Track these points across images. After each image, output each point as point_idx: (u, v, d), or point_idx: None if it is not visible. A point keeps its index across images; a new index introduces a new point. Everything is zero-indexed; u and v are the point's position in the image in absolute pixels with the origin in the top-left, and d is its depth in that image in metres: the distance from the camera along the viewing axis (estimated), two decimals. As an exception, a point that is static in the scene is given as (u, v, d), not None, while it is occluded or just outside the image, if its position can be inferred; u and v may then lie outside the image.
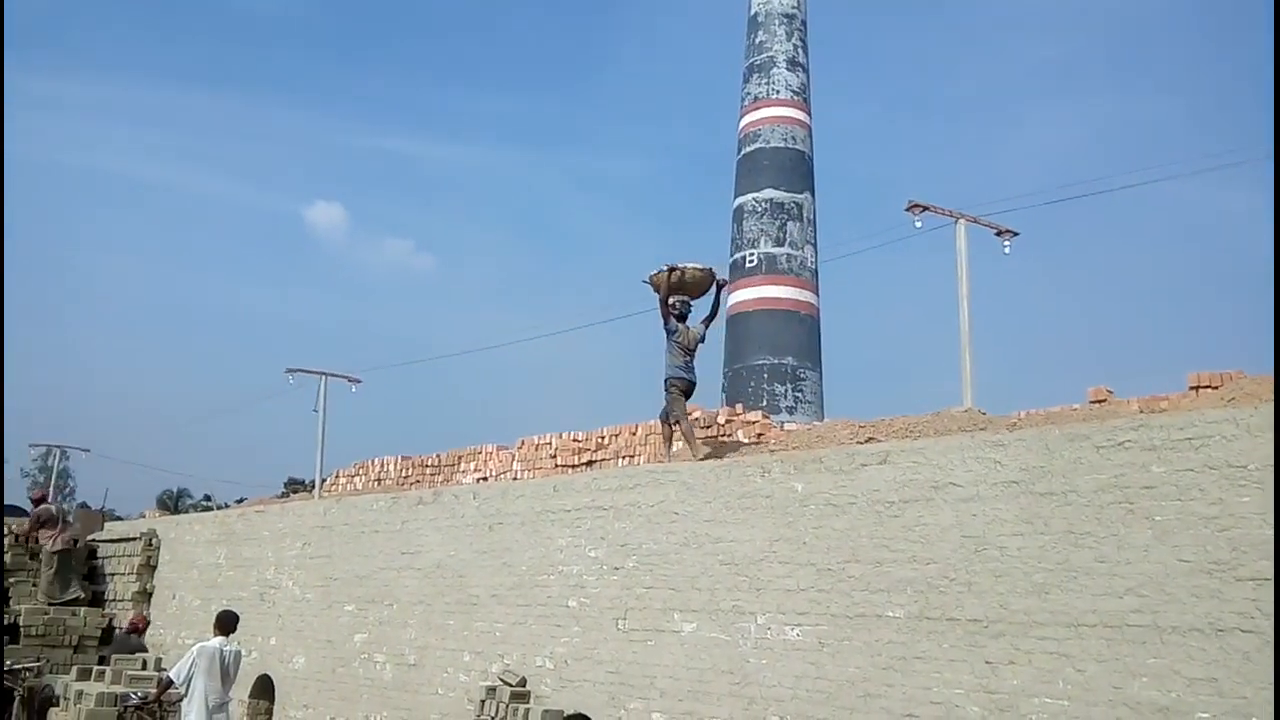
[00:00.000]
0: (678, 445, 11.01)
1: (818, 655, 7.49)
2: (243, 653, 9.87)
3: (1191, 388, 8.94)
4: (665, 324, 10.75)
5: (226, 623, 9.46)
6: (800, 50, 31.25)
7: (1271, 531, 5.56)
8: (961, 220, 13.13)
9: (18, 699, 12.86)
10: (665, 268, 10.58)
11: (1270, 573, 5.51)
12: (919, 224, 13.26)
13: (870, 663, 7.16)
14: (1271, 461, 5.62)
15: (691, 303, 10.83)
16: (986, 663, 6.59)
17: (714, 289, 10.83)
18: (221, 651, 9.13)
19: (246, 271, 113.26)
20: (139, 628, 13.37)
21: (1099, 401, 9.63)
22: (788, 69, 30.60)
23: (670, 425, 10.85)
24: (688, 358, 10.72)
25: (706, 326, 10.89)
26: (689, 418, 10.96)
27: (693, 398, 11.02)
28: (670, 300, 10.67)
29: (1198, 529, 5.86)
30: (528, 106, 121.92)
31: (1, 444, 14.84)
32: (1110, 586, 6.16)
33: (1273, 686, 5.38)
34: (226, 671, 9.14)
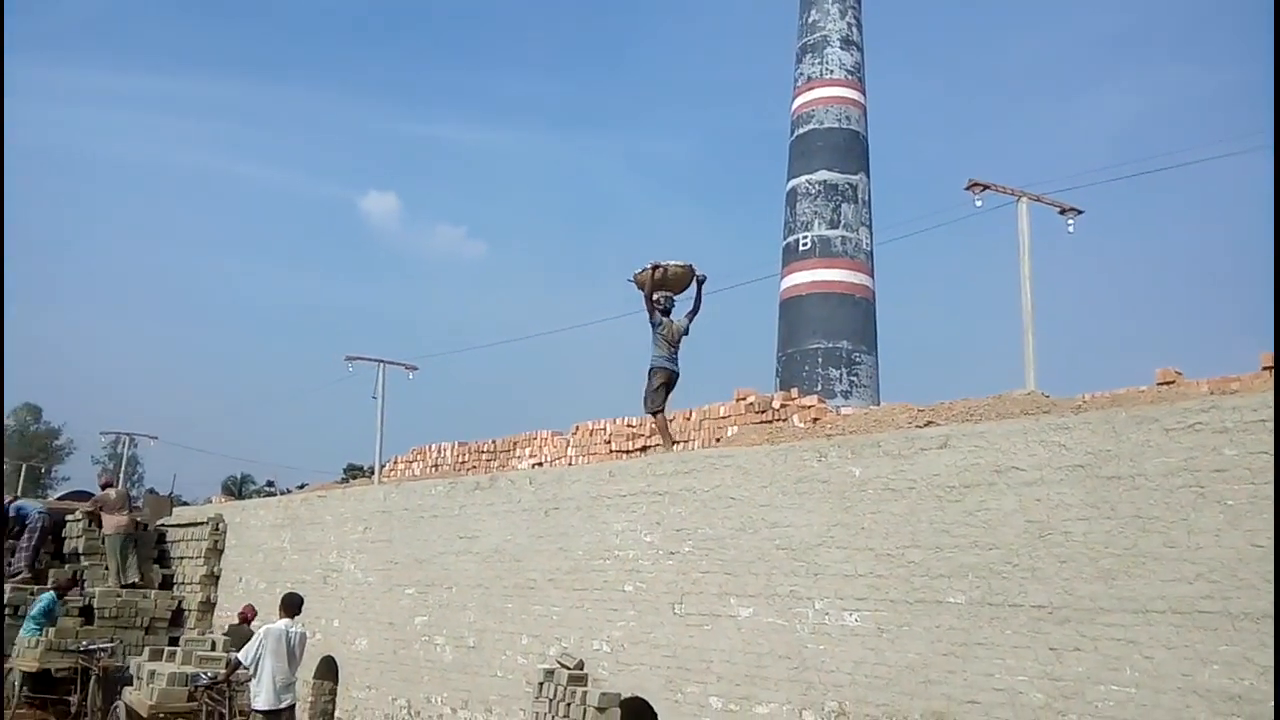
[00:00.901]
0: (665, 444, 11.61)
1: (876, 641, 7.42)
2: (307, 634, 10.08)
3: (1265, 368, 8.68)
4: (650, 318, 11.41)
5: (291, 605, 9.70)
6: (854, 28, 30.79)
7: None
8: (1024, 199, 12.85)
9: (94, 678, 13.28)
10: (649, 266, 11.25)
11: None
12: (979, 203, 13.01)
13: (930, 649, 7.08)
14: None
15: (675, 298, 11.49)
16: (1051, 649, 6.47)
17: (695, 285, 11.41)
18: (288, 633, 9.36)
19: (305, 261, 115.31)
20: (248, 618, 13.36)
21: (1167, 383, 9.40)
22: (841, 48, 30.18)
23: (660, 414, 11.49)
24: (672, 349, 11.37)
25: (690, 320, 11.47)
26: (663, 412, 11.51)
27: (674, 388, 11.52)
28: (655, 296, 11.32)
29: (1271, 513, 5.68)
30: (578, 90, 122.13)
31: (1, 427, 15.47)
32: (1180, 572, 6.01)
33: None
34: (293, 652, 9.37)
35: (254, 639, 9.49)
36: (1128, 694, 6.09)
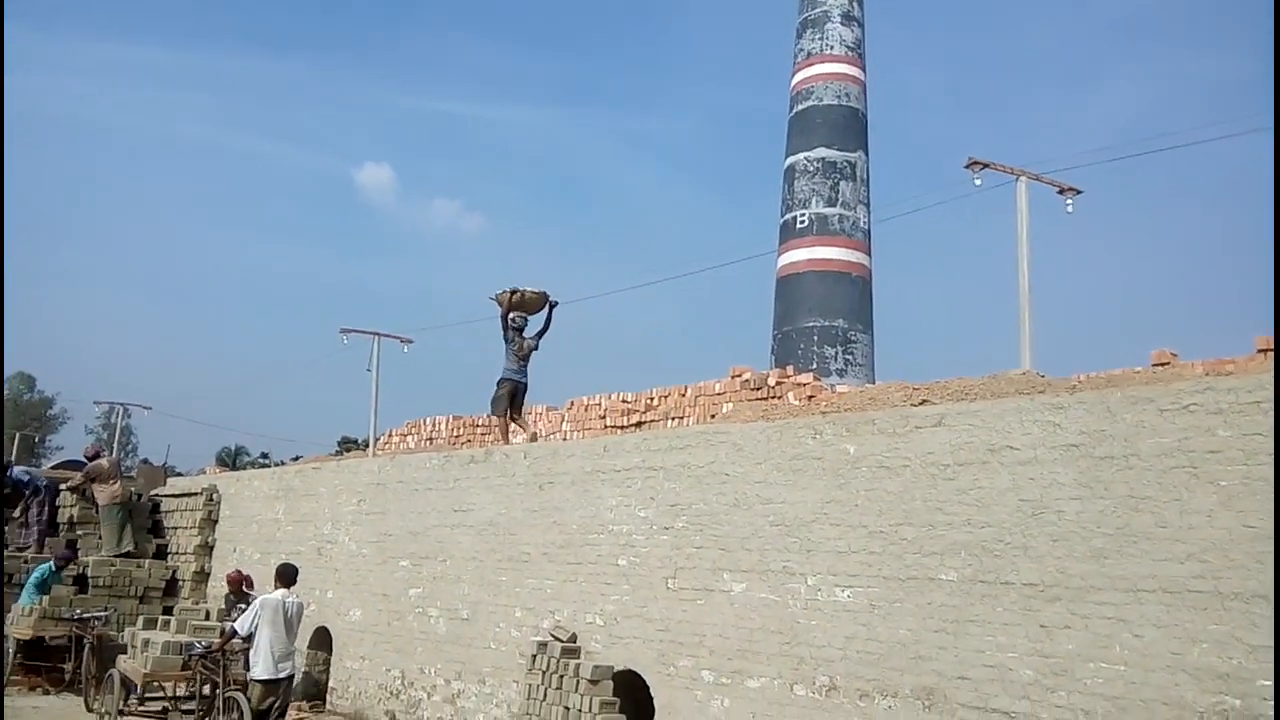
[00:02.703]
0: (518, 437, 13.45)
1: (869, 617, 7.47)
2: (304, 605, 10.12)
3: (1260, 350, 8.69)
4: (504, 334, 13.25)
5: (287, 575, 9.73)
6: (856, 3, 30.54)
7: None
8: (1023, 178, 12.80)
9: (88, 647, 13.33)
10: (507, 290, 13.09)
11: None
12: (978, 182, 12.95)
13: (922, 625, 7.13)
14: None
15: (529, 318, 13.34)
16: (1041, 626, 6.52)
17: (548, 308, 13.29)
18: (284, 603, 9.40)
19: (301, 233, 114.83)
20: (236, 581, 13.12)
21: (1162, 364, 9.41)
22: (842, 23, 29.97)
23: (502, 418, 13.31)
24: (521, 363, 13.24)
25: (539, 339, 13.38)
26: (505, 417, 13.40)
27: (522, 395, 13.48)
28: (510, 315, 13.18)
29: (1264, 494, 5.71)
30: (576, 65, 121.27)
31: (1, 410, 15.44)
32: (1171, 551, 6.04)
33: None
34: (290, 622, 9.42)
35: (250, 609, 9.53)
36: (1117, 671, 6.14)
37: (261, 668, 9.22)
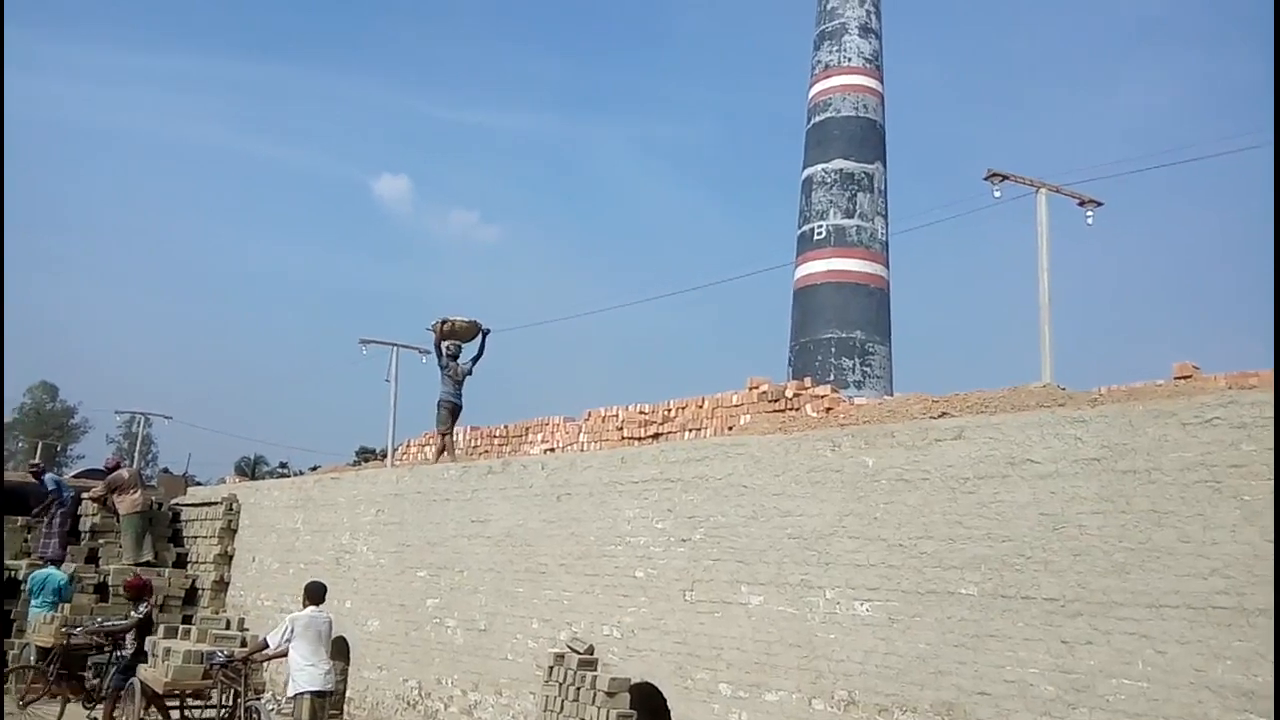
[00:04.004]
0: (447, 457, 14.82)
1: (887, 631, 7.43)
2: (332, 620, 10.16)
3: (1284, 364, 8.58)
4: (439, 361, 14.84)
5: (315, 594, 9.83)
6: (873, 15, 30.56)
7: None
8: (1043, 189, 12.75)
9: (110, 656, 13.39)
10: (440, 320, 14.69)
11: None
12: (998, 193, 12.92)
13: (942, 639, 7.09)
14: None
15: (463, 345, 14.88)
16: (1063, 642, 6.47)
17: (480, 336, 14.93)
18: (312, 617, 9.48)
19: (320, 242, 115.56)
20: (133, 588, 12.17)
21: (1184, 378, 9.34)
22: (860, 35, 29.97)
23: (440, 435, 15.02)
24: (457, 386, 14.83)
25: (473, 364, 15.00)
26: (450, 434, 15.23)
27: (459, 414, 15.27)
28: (445, 344, 14.77)
29: (1290, 510, 5.65)
30: (592, 75, 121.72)
31: (1, 413, 15.68)
32: (1194, 567, 5.99)
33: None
34: (322, 637, 9.51)
35: (281, 625, 9.68)
36: (1140, 688, 6.08)
37: (307, 679, 9.29)
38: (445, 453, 15.22)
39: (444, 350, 14.88)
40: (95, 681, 12.42)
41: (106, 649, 12.45)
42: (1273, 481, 5.74)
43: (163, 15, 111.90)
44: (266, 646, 9.74)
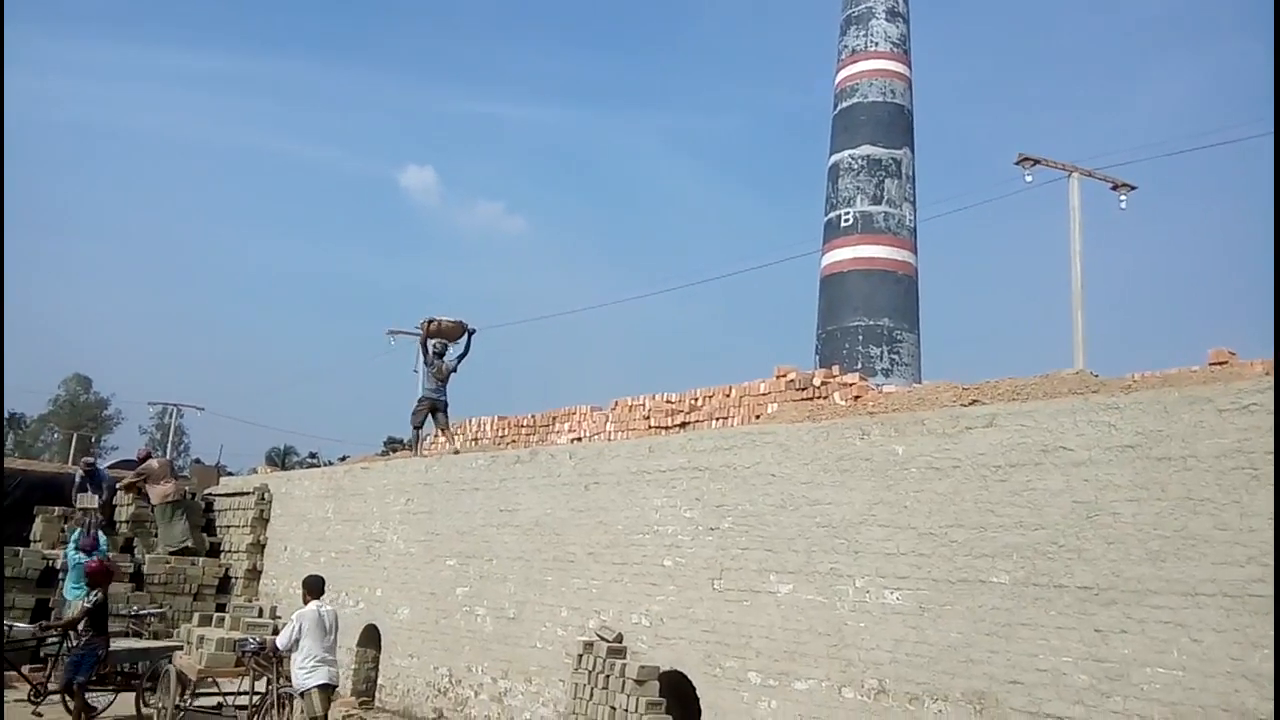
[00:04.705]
0: (455, 446, 15.28)
1: (918, 619, 7.39)
2: (338, 612, 10.17)
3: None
4: (425, 359, 15.36)
5: (315, 587, 9.81)
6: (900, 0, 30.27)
7: None
8: (1075, 174, 12.59)
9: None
10: (426, 320, 15.29)
11: None
12: (1029, 178, 12.78)
13: (973, 628, 7.04)
14: None
15: (448, 344, 15.30)
16: (1096, 631, 6.40)
17: (466, 336, 15.30)
18: (319, 613, 9.50)
19: (348, 236, 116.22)
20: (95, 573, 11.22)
21: (1220, 363, 9.18)
22: (887, 20, 29.68)
23: (417, 430, 15.64)
24: (440, 384, 15.24)
25: (458, 362, 15.38)
26: (447, 426, 15.62)
27: (442, 411, 15.43)
28: (431, 342, 15.21)
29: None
30: (617, 67, 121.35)
31: (1, 408, 15.90)
32: (1230, 555, 5.90)
33: None
34: (327, 630, 9.54)
35: (290, 624, 9.64)
36: (1175, 677, 6.01)
37: (313, 676, 9.33)
38: (415, 451, 16.00)
39: (430, 348, 15.43)
40: (42, 677, 11.64)
41: (55, 640, 11.75)
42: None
43: (191, 18, 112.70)
44: (276, 649, 9.78)
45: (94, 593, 10.76)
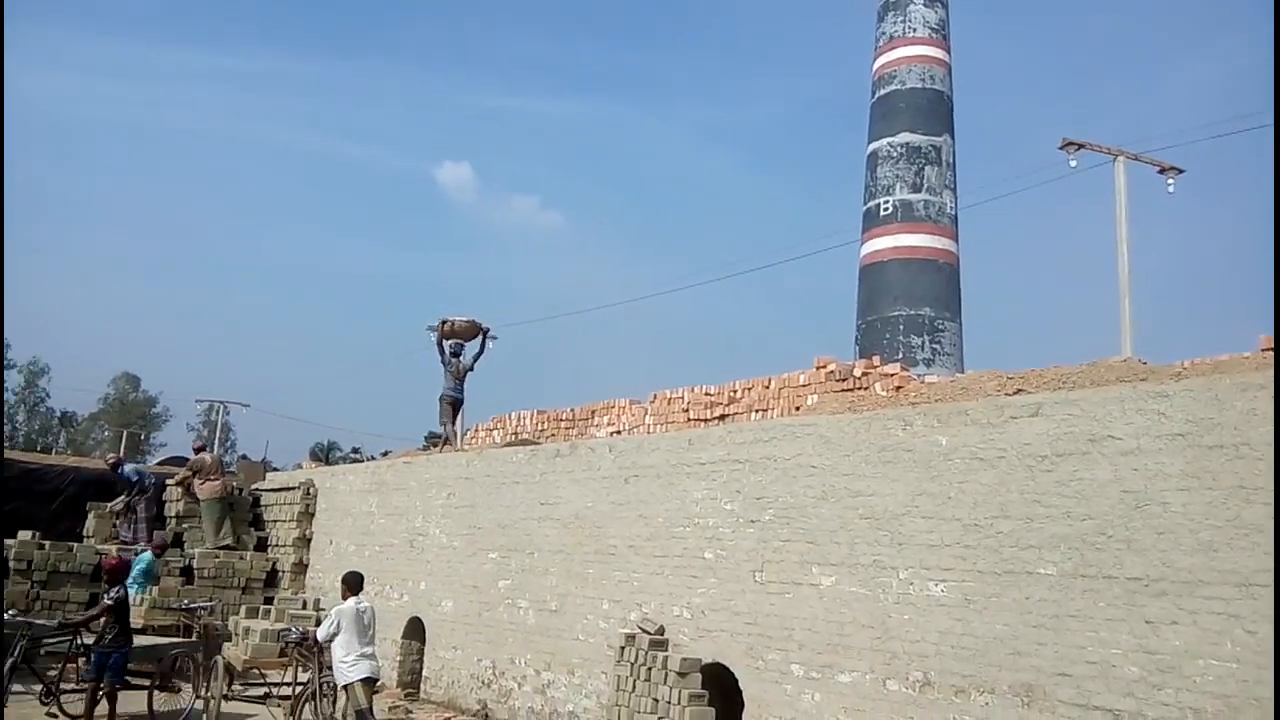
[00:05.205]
0: (449, 447, 15.67)
1: (964, 611, 7.31)
2: (375, 608, 10.29)
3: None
4: (441, 359, 16.10)
5: (354, 584, 9.96)
6: (939, -16, 29.88)
7: None
8: (1121, 157, 12.33)
9: (195, 636, 13.84)
10: (440, 321, 16.08)
11: None
12: (1074, 163, 12.53)
13: (1020, 620, 6.95)
14: None
15: (464, 344, 16.14)
16: (1147, 622, 6.29)
17: (480, 335, 16.18)
18: (357, 609, 9.67)
19: (387, 232, 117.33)
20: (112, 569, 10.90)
21: (1271, 349, 8.96)
22: (925, 5, 29.32)
23: (447, 425, 16.19)
24: (458, 382, 16.05)
25: (475, 361, 16.25)
26: (452, 425, 16.46)
27: (460, 408, 16.59)
28: (448, 343, 16.07)
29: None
30: (650, 59, 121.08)
31: (2, 409, 16.10)
32: (1287, 545, 5.76)
33: None
34: (365, 625, 9.70)
35: (329, 618, 9.82)
36: (1229, 669, 5.89)
37: (355, 669, 9.48)
38: (448, 443, 16.34)
39: (446, 349, 16.08)
40: (53, 674, 10.93)
41: (67, 637, 11.07)
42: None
43: (228, 17, 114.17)
44: (317, 640, 9.93)
45: (115, 589, 10.36)
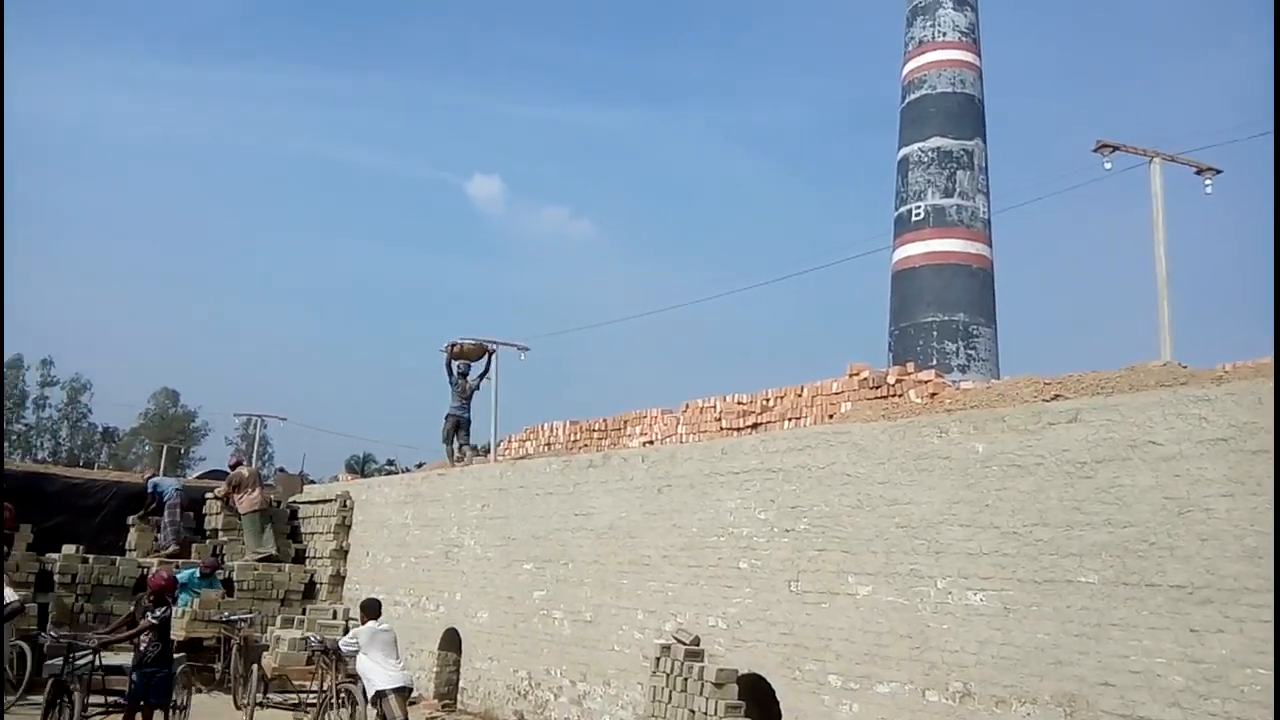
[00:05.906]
0: (469, 462, 16.29)
1: (1003, 620, 7.22)
2: (393, 630, 10.57)
3: None
4: (449, 379, 16.93)
5: (373, 609, 10.43)
6: (968, -12, 29.71)
7: None
8: (1157, 159, 12.17)
9: (235, 647, 14.01)
10: (449, 344, 16.90)
11: None
12: (1108, 165, 12.37)
13: (1061, 629, 6.85)
14: None
15: (471, 364, 16.91)
16: (1191, 630, 6.18)
17: (486, 356, 16.79)
18: (377, 632, 10.12)
19: (419, 244, 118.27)
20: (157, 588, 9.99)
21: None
22: (954, 8, 29.15)
23: (448, 445, 16.96)
24: (465, 401, 16.88)
25: (480, 379, 16.89)
26: (455, 443, 17.05)
27: (466, 427, 17.18)
28: (455, 363, 16.88)
29: None
30: (677, 65, 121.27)
31: (1, 413, 16.36)
32: (1336, 552, 5.64)
33: None
34: (390, 645, 10.12)
35: (351, 636, 10.32)
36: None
37: (386, 679, 9.87)
38: (458, 460, 16.86)
39: (454, 369, 16.88)
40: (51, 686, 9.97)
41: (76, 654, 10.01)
42: None
43: (258, 32, 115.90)
44: (338, 648, 10.43)
45: (161, 609, 9.64)
